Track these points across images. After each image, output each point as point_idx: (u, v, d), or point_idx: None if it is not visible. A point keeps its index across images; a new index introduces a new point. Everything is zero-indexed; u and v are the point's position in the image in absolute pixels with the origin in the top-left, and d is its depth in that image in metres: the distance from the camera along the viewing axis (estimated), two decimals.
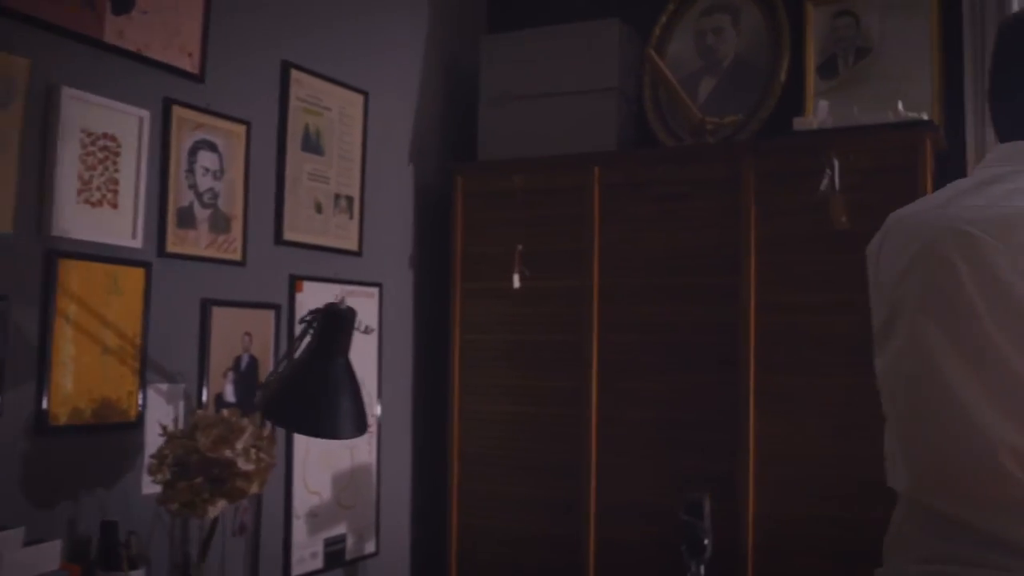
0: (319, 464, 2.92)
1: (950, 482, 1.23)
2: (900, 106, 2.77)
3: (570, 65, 3.35)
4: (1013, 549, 1.15)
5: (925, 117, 2.74)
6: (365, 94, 3.17)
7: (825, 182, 2.75)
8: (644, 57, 3.31)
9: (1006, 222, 1.21)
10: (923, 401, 1.27)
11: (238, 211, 2.65)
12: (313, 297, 2.85)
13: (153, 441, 2.27)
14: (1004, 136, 1.39)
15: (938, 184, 2.87)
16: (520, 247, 3.17)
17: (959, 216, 1.27)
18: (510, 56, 3.44)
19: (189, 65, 2.50)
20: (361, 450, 3.10)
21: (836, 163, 2.75)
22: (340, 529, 3.00)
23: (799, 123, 2.87)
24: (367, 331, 2.81)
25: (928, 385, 1.25)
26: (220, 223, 2.59)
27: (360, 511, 3.09)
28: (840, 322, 2.76)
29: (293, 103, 2.87)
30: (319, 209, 2.98)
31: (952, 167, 2.91)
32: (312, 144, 2.96)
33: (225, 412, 2.22)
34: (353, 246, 3.12)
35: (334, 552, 2.97)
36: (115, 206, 2.29)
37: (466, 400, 3.28)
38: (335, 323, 2.26)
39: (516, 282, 3.17)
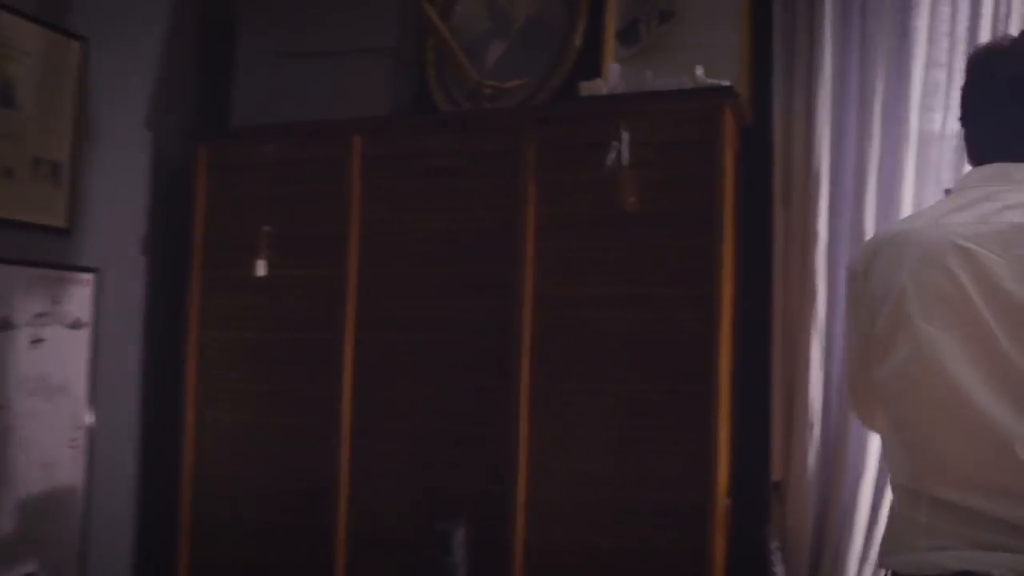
0: None
1: (968, 475, 1.33)
2: (699, 71, 2.41)
3: (343, 21, 2.87)
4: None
5: (726, 84, 2.37)
6: (83, 40, 2.62)
7: (612, 156, 2.36)
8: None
9: (1003, 236, 1.34)
10: (937, 404, 1.36)
11: None
12: None
13: None
14: (972, 157, 1.53)
15: (741, 161, 2.53)
16: (267, 228, 2.67)
17: (955, 232, 1.37)
18: (274, 8, 2.95)
19: None
20: (62, 468, 2.53)
21: (626, 135, 2.36)
22: (28, 567, 2.42)
23: (586, 88, 2.47)
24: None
25: (942, 390, 1.34)
26: None
27: (58, 543, 2.52)
28: (630, 319, 2.36)
29: None
30: (8, 174, 2.41)
31: (757, 144, 2.57)
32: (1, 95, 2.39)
33: None
34: (59, 222, 2.56)
35: None
36: None
37: (202, 409, 2.75)
38: None
39: (261, 269, 2.66)
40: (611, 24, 2.79)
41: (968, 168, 1.55)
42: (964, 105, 1.55)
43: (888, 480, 1.59)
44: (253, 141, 2.76)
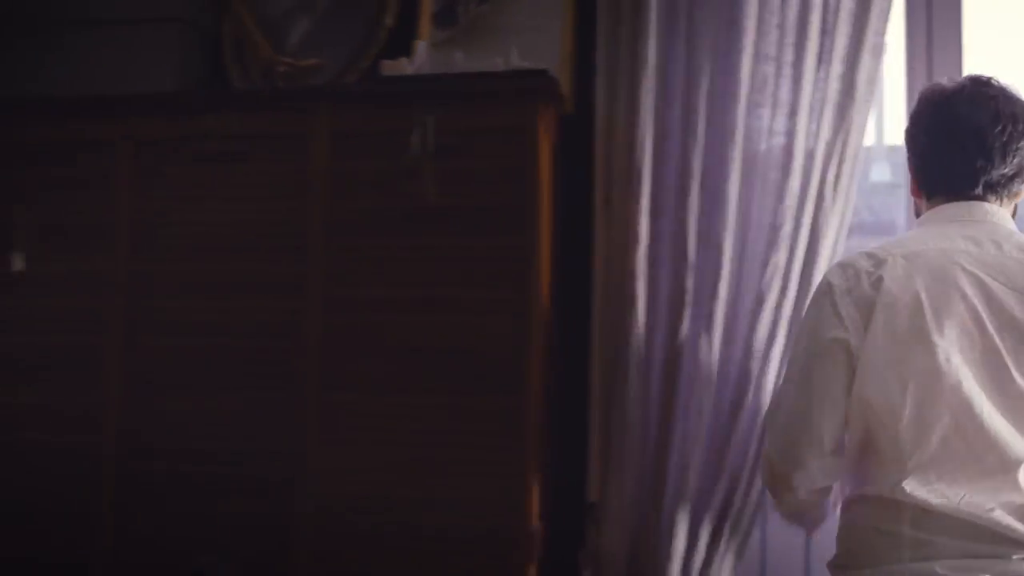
0: None
1: (966, 487, 1.39)
2: (514, 54, 2.19)
3: None
4: (1016, 541, 1.37)
5: (541, 68, 2.16)
6: None
7: (415, 143, 2.12)
8: None
9: (1006, 269, 1.46)
10: (950, 418, 1.41)
11: None
12: None
13: None
14: (923, 189, 1.64)
15: (561, 155, 2.33)
16: (24, 217, 2.32)
17: (960, 259, 1.47)
18: None
19: None
20: None
21: (430, 119, 2.12)
22: None
23: (389, 67, 2.22)
24: None
25: (956, 405, 1.41)
26: None
27: None
28: (433, 324, 2.13)
29: None
30: None
31: (580, 138, 2.37)
32: None
33: None
34: None
35: None
36: None
37: None
38: None
39: (18, 263, 2.31)
40: (426, 4, 2.55)
41: (912, 199, 1.67)
42: (915, 141, 1.62)
43: (843, 493, 1.60)
44: (9, 118, 2.40)
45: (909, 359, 1.43)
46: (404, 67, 2.19)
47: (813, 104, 2.23)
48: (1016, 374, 1.41)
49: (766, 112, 2.26)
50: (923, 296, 1.44)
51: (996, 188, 1.56)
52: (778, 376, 2.20)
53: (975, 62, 2.42)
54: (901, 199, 2.47)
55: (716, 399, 2.22)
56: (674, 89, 2.29)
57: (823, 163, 2.22)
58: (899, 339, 1.44)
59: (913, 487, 1.40)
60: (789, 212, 2.21)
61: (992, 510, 1.38)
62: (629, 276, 2.25)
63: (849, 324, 1.48)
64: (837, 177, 2.21)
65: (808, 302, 1.63)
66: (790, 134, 2.24)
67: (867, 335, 1.46)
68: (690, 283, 2.23)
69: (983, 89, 1.56)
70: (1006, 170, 1.54)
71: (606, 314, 2.31)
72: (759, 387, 2.20)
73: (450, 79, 2.17)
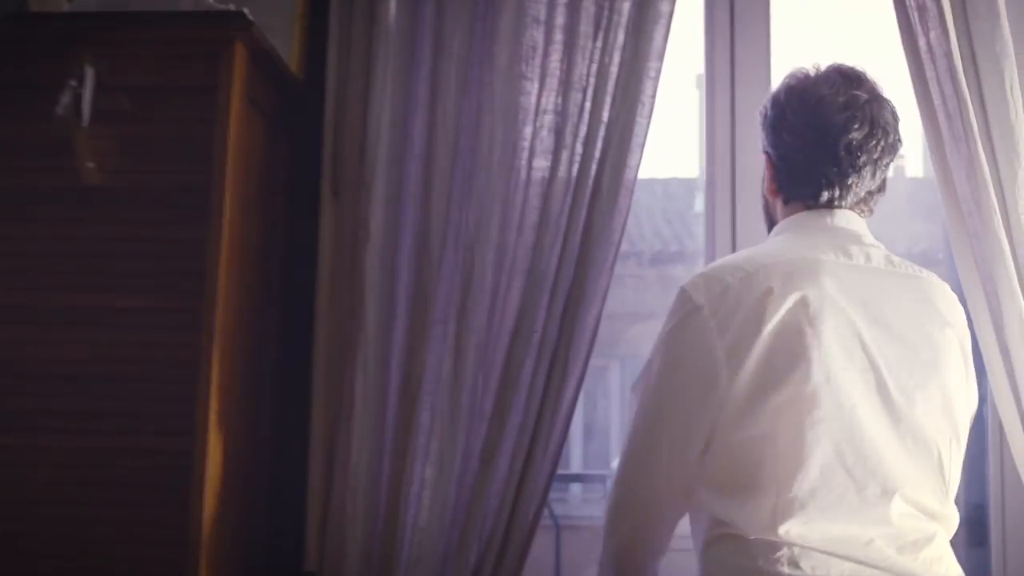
0: None
1: (846, 518, 1.30)
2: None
3: None
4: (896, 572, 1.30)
5: (235, 10, 1.67)
6: None
7: (66, 103, 1.60)
8: None
9: (877, 281, 1.40)
10: (827, 445, 1.30)
11: None
12: None
13: None
14: (783, 192, 1.50)
15: (278, 128, 1.83)
16: None
17: (833, 272, 1.37)
18: None
19: None
20: None
21: (90, 72, 1.61)
22: None
23: (38, 3, 1.69)
24: None
25: (834, 431, 1.30)
26: None
27: None
28: (82, 341, 1.61)
29: None
30: None
31: (313, 113, 1.90)
32: None
33: None
34: None
35: None
36: None
37: None
38: None
39: None
40: None
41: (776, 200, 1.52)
42: (778, 138, 1.48)
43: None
44: None
45: (785, 380, 1.30)
46: (59, 3, 1.68)
47: (590, 78, 1.83)
48: (895, 392, 1.33)
49: (532, 86, 1.84)
50: (798, 311, 1.32)
51: (861, 201, 1.47)
52: (549, 411, 1.77)
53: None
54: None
55: (465, 442, 1.77)
56: (420, 58, 1.86)
57: (601, 149, 1.81)
58: (774, 361, 1.31)
59: (789, 525, 1.28)
60: (558, 207, 1.80)
61: (871, 542, 1.30)
62: (358, 284, 1.78)
63: (719, 350, 1.33)
64: (617, 169, 1.81)
65: (665, 323, 1.40)
66: (561, 113, 1.83)
67: (739, 360, 1.32)
68: (437, 293, 1.78)
69: (856, 92, 1.42)
70: (873, 186, 1.46)
71: (331, 334, 1.83)
72: (521, 426, 1.76)
73: (119, 20, 1.66)
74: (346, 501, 1.75)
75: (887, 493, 1.31)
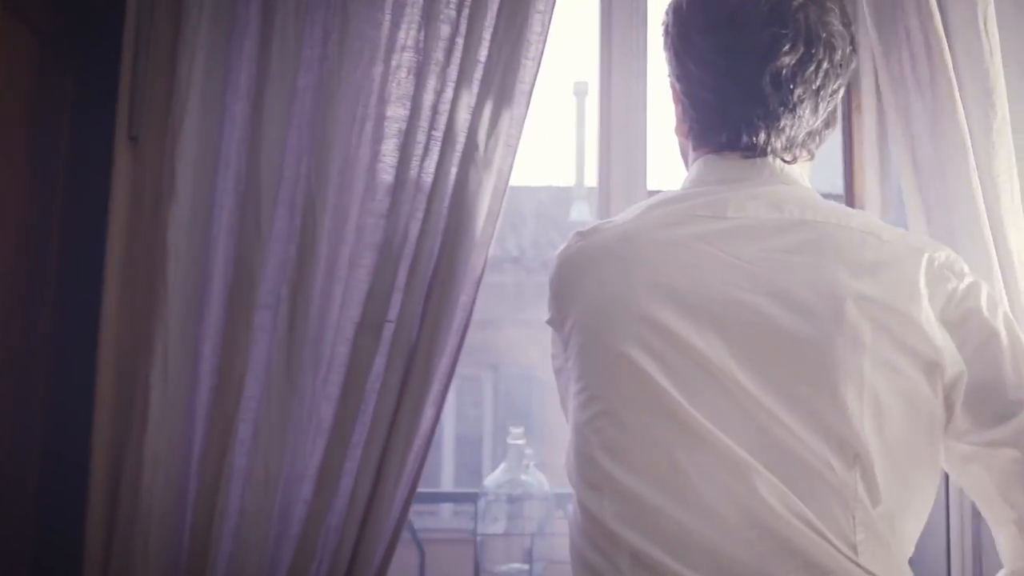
0: None
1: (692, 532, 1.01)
2: None
3: None
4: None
5: None
6: None
7: None
8: None
9: (798, 248, 1.08)
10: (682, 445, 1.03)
11: None
12: None
13: None
14: (690, 134, 1.19)
15: (40, 42, 1.40)
16: None
17: (708, 236, 1.09)
18: None
19: None
20: None
21: None
22: None
23: None
24: None
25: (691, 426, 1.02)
26: None
27: None
28: None
29: None
30: None
31: (108, 34, 1.48)
32: None
33: None
34: None
35: None
36: None
37: None
38: None
39: None
40: None
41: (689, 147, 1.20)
42: (681, 65, 1.15)
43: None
44: None
45: (613, 376, 1.06)
46: None
47: (463, 8, 1.47)
48: (748, 383, 1.02)
49: (384, 16, 1.46)
50: (633, 275, 1.08)
51: (793, 144, 1.12)
52: (405, 422, 1.40)
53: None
54: None
55: (298, 461, 1.38)
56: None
57: (477, 96, 1.45)
58: (597, 344, 1.08)
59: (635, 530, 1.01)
60: (418, 166, 1.43)
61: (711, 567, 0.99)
62: (159, 257, 1.37)
63: (556, 330, 1.17)
64: (496, 118, 1.46)
65: None
66: (423, 51, 1.46)
67: (565, 343, 1.14)
68: (264, 271, 1.39)
69: None
70: (815, 123, 1.12)
71: (123, 322, 1.41)
72: (369, 440, 1.38)
73: None
74: (134, 538, 1.33)
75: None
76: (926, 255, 1.07)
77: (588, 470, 1.06)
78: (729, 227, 1.08)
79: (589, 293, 1.11)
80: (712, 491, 0.99)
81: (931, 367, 1.03)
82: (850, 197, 1.70)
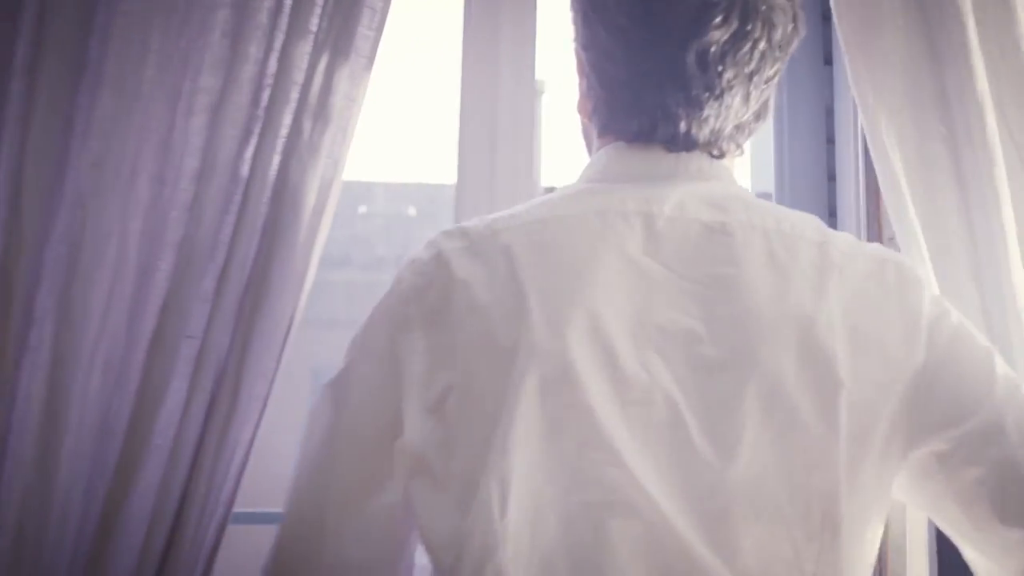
0: None
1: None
2: None
3: None
4: None
5: None
6: None
7: None
8: None
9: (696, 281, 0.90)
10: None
11: None
12: None
13: None
14: (595, 117, 0.99)
15: None
16: None
17: (626, 236, 0.91)
18: None
19: None
20: None
21: None
22: None
23: None
24: None
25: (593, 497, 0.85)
26: None
27: None
28: None
29: None
30: None
31: None
32: None
33: None
34: None
35: None
36: None
37: None
38: None
39: None
40: None
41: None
42: (591, 31, 0.94)
43: None
44: None
45: (504, 406, 0.84)
46: None
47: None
48: (699, 434, 0.85)
49: None
50: (530, 295, 0.86)
51: (719, 138, 0.95)
52: (208, 463, 1.16)
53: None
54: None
55: (71, 514, 1.12)
56: None
57: (309, 62, 1.22)
58: (483, 368, 0.86)
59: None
60: (235, 148, 1.19)
61: None
62: None
63: (402, 344, 0.90)
64: (328, 90, 1.22)
65: None
66: (240, 7, 1.21)
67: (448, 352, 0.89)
68: (29, 275, 1.12)
69: None
70: (746, 115, 0.95)
71: None
72: (163, 484, 1.13)
73: None
74: None
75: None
76: (891, 265, 0.93)
77: None
78: (669, 232, 0.90)
79: (476, 319, 0.88)
80: None
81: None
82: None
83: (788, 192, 1.48)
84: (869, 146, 1.28)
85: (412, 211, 11.70)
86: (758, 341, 0.87)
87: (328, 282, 9.73)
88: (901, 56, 1.28)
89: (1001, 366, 0.92)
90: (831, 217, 1.47)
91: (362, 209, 11.63)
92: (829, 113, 1.50)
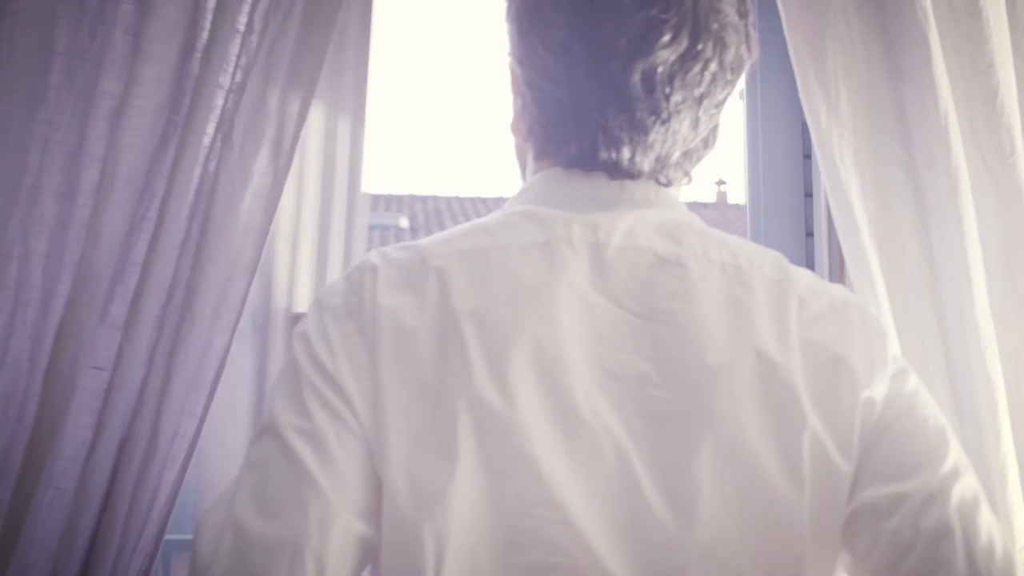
0: None
1: None
2: None
3: None
4: None
5: None
6: None
7: None
8: None
9: (673, 287, 0.84)
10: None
11: None
12: None
13: None
14: (531, 139, 0.91)
15: None
16: None
17: (572, 268, 0.83)
18: None
19: None
20: None
21: None
22: None
23: None
24: None
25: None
26: None
27: None
28: None
29: None
30: None
31: None
32: None
33: None
34: None
35: None
36: None
37: None
38: None
39: None
40: None
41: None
42: (527, 45, 0.86)
43: None
44: None
45: (431, 446, 0.76)
46: None
47: None
48: (652, 490, 0.77)
49: None
50: (466, 329, 0.78)
51: (664, 166, 0.87)
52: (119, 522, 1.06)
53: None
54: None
55: None
56: None
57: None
58: (419, 402, 0.77)
59: None
60: (154, 144, 1.09)
61: None
62: None
63: (344, 372, 0.78)
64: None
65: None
66: None
67: (373, 388, 0.78)
68: None
69: None
70: (694, 140, 0.87)
71: None
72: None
73: None
74: None
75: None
76: (854, 309, 0.86)
77: None
78: (618, 263, 0.82)
79: (404, 355, 0.79)
80: None
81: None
82: None
83: (763, 208, 1.40)
84: (819, 164, 1.21)
85: (404, 222, 11.59)
86: (714, 385, 0.79)
87: None
88: (857, 69, 1.21)
89: (956, 445, 0.86)
90: (808, 236, 1.39)
91: None
92: (805, 127, 1.43)
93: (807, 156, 1.40)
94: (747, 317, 0.82)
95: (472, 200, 13.38)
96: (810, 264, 1.36)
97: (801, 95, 1.22)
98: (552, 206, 0.86)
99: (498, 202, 12.78)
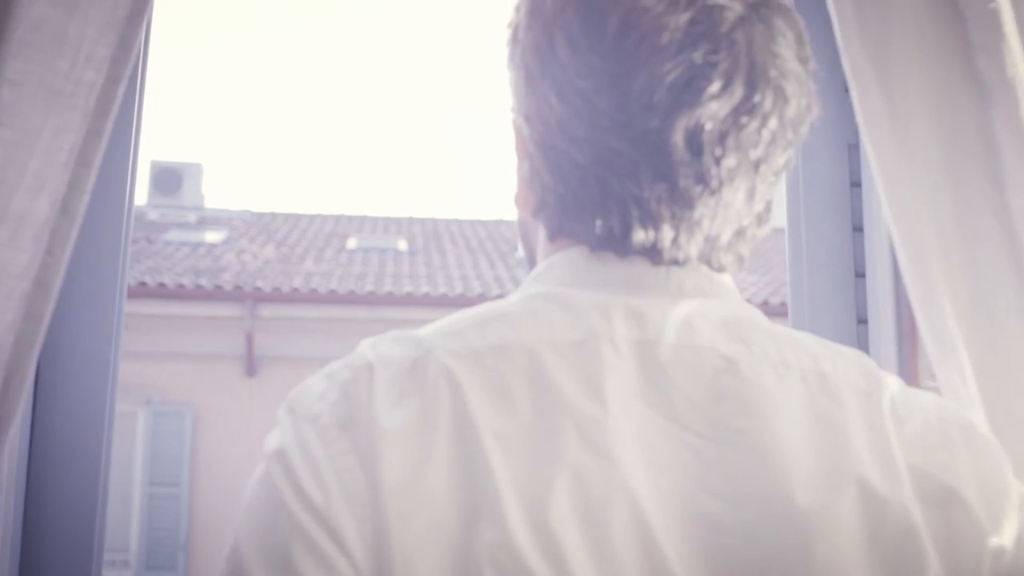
0: None
1: None
2: None
3: None
4: None
5: None
6: None
7: None
8: None
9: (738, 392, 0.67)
10: None
11: None
12: None
13: None
14: (543, 216, 0.71)
15: None
16: None
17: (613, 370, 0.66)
18: None
19: None
20: None
21: None
22: None
23: None
24: None
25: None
26: None
27: None
28: None
29: None
30: None
31: None
32: None
33: None
34: None
35: None
36: None
37: None
38: None
39: None
40: None
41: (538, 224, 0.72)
42: (534, 92, 0.68)
43: None
44: None
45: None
46: None
47: None
48: None
49: None
50: (492, 449, 0.59)
51: (714, 248, 0.67)
52: None
53: None
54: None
55: None
56: None
57: None
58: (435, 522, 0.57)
59: None
60: None
61: None
62: None
63: (339, 510, 0.58)
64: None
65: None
66: None
67: (375, 532, 0.58)
68: None
69: (712, 2, 0.63)
70: (749, 216, 0.68)
71: None
72: None
73: None
74: None
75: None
76: (954, 427, 0.67)
77: None
78: (674, 367, 0.64)
79: (410, 489, 0.59)
80: None
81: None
82: None
83: (805, 242, 1.15)
84: (887, 217, 0.96)
85: (402, 245, 11.44)
86: (807, 533, 0.59)
87: (323, 318, 9.26)
88: (935, 87, 0.96)
89: None
90: (858, 277, 1.14)
91: (351, 243, 11.34)
92: (853, 150, 1.17)
93: (855, 184, 1.16)
94: (842, 438, 0.62)
95: (472, 223, 13.16)
96: (862, 317, 1.10)
97: (860, 122, 0.98)
98: (583, 288, 0.66)
99: (497, 224, 12.45)
